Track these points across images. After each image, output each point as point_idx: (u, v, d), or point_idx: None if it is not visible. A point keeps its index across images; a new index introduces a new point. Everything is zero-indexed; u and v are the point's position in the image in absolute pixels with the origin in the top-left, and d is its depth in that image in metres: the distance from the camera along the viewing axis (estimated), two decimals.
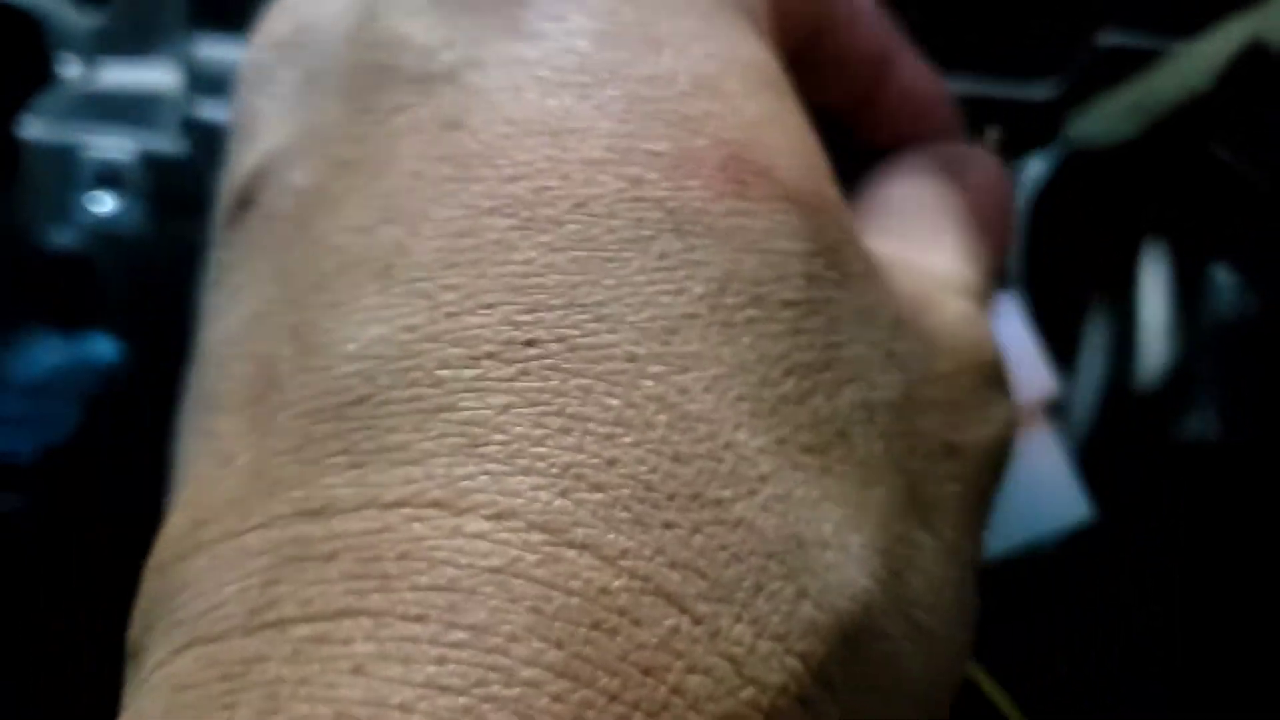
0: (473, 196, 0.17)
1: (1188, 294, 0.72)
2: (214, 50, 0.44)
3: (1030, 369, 0.35)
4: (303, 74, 0.20)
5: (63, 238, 0.42)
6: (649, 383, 0.16)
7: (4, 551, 0.40)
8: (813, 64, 0.24)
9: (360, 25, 0.20)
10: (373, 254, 0.17)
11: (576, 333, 0.16)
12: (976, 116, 0.51)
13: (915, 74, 0.29)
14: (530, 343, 0.16)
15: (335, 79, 0.20)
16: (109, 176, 0.42)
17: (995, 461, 0.22)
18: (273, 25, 0.22)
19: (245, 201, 0.20)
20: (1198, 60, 0.49)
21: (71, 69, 0.46)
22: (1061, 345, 0.66)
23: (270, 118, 0.21)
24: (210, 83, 0.44)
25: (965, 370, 0.22)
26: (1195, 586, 0.65)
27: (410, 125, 0.18)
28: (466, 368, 0.16)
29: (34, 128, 0.42)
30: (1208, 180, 0.51)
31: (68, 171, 0.42)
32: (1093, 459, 0.74)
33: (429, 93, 0.18)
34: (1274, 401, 0.67)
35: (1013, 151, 0.48)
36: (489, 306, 0.16)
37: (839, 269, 0.19)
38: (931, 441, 0.20)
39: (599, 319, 0.16)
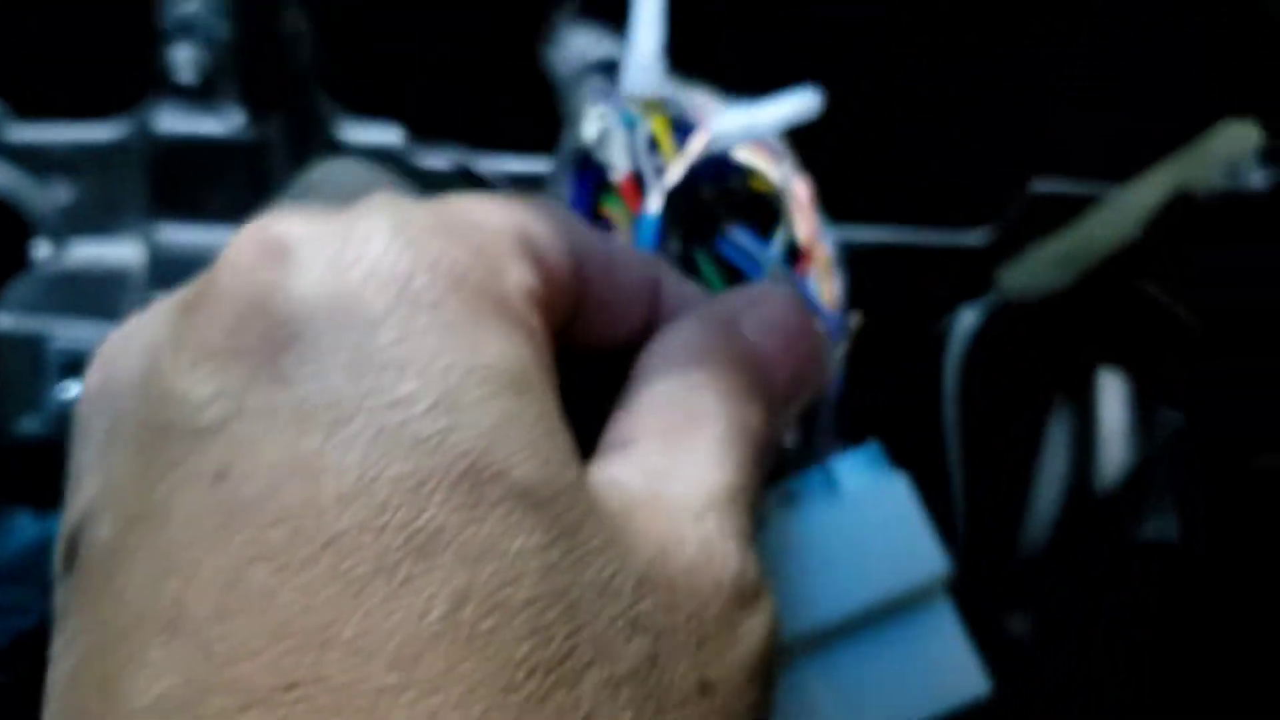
0: (239, 546, 0.19)
1: (1144, 405, 0.74)
2: (175, 234, 0.46)
3: (923, 549, 0.36)
4: (108, 425, 0.22)
5: (32, 424, 0.43)
6: (401, 713, 0.17)
7: None
8: (586, 314, 0.25)
9: (145, 380, 0.21)
10: (159, 607, 0.19)
11: (333, 671, 0.18)
12: (911, 264, 0.53)
13: (683, 291, 0.30)
14: (291, 686, 0.17)
15: (128, 432, 0.21)
16: (76, 365, 0.44)
17: (757, 677, 0.23)
18: (89, 376, 0.23)
19: (71, 552, 0.21)
20: (1126, 209, 0.51)
21: (41, 249, 0.48)
22: (1001, 476, 0.68)
23: (86, 470, 0.22)
24: (172, 267, 0.45)
25: (710, 603, 0.22)
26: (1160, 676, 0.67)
27: (186, 478, 0.19)
28: (237, 716, 0.17)
29: (3, 319, 0.44)
30: (1141, 318, 0.53)
31: (36, 361, 0.44)
32: (1054, 560, 0.76)
33: (201, 446, 0.20)
34: (1229, 506, 0.69)
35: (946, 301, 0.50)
36: (255, 654, 0.18)
37: (576, 551, 0.20)
38: (683, 687, 0.21)
39: (353, 653, 0.18)
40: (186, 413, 0.20)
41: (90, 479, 0.21)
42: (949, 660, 0.37)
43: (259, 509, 0.19)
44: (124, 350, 0.22)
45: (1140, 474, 0.72)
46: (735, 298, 0.29)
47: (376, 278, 0.21)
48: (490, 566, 0.19)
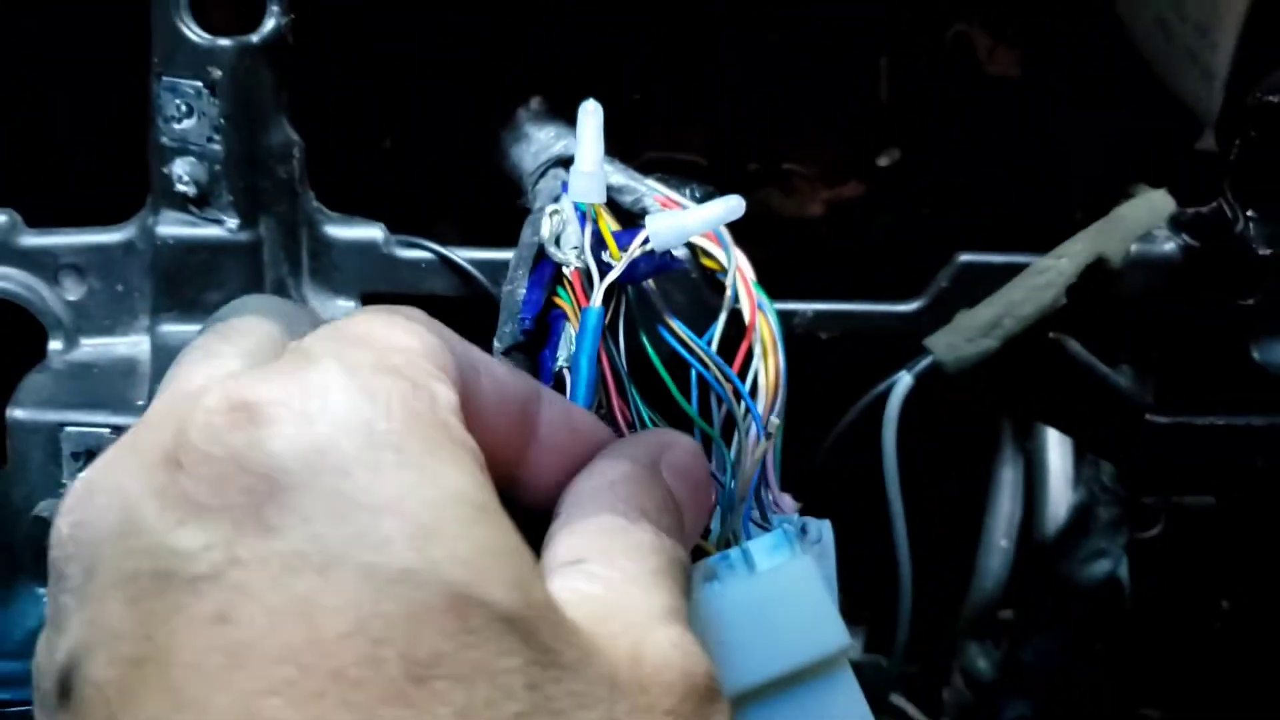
0: (248, 682, 0.20)
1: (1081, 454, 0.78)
2: (178, 329, 0.51)
3: (828, 624, 0.39)
4: (84, 571, 0.23)
5: (50, 508, 0.47)
6: None
7: None
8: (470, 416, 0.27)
9: (124, 531, 0.23)
10: None
11: None
12: (850, 330, 0.57)
13: (568, 414, 0.33)
14: None
15: (112, 580, 0.23)
16: (91, 453, 0.48)
17: None
18: (59, 523, 0.24)
19: (65, 690, 0.23)
20: (1049, 277, 0.55)
21: (54, 345, 0.52)
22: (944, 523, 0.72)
23: (69, 612, 0.23)
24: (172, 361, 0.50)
25: (686, 698, 0.25)
26: None
27: (187, 622, 0.21)
28: None
29: (20, 410, 0.49)
30: (1065, 375, 0.57)
31: (52, 450, 0.48)
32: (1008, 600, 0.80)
33: (198, 592, 0.21)
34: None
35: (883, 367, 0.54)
36: None
37: (555, 666, 0.22)
38: None
39: None
40: (180, 563, 0.22)
41: (75, 622, 0.23)
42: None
43: (264, 648, 0.21)
44: (93, 501, 0.24)
45: (1081, 517, 0.76)
46: (651, 441, 0.33)
47: (342, 428, 0.23)
48: (483, 686, 0.21)
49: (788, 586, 0.40)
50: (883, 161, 0.78)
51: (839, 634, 0.39)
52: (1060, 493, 0.80)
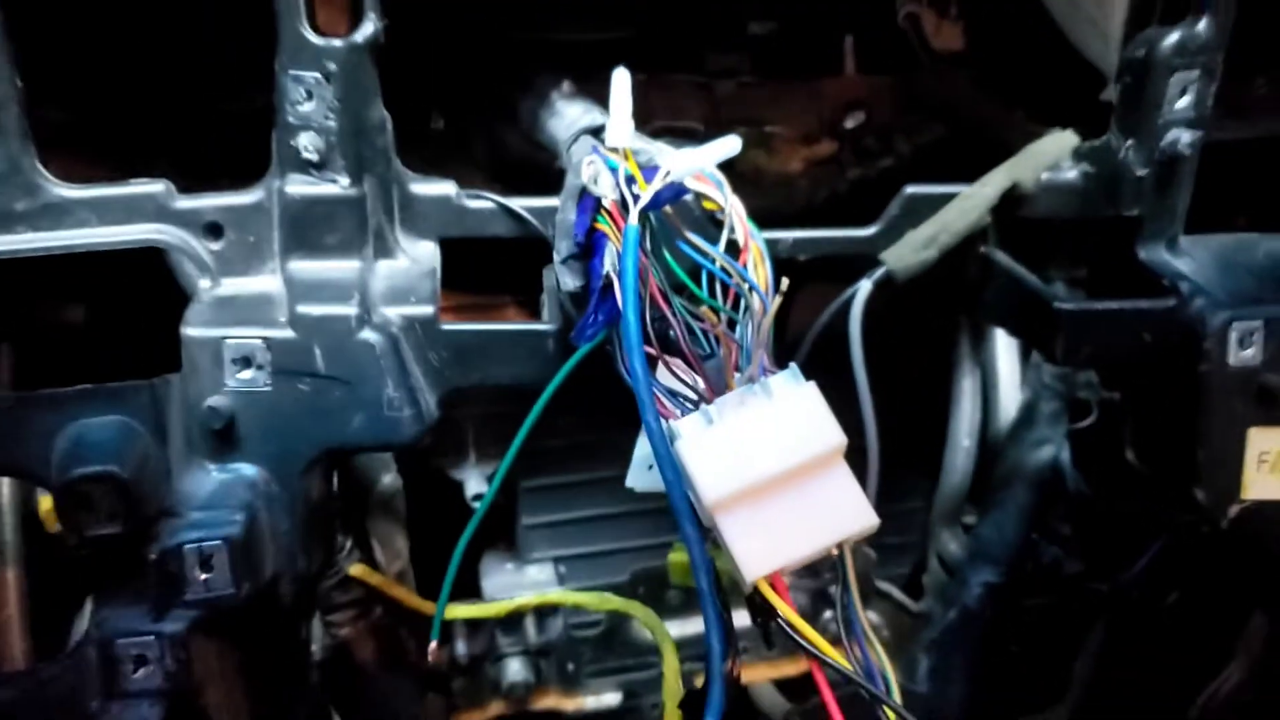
0: None
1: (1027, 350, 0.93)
2: (302, 267, 0.65)
3: (828, 428, 0.55)
4: None
5: (218, 402, 0.62)
6: None
7: None
8: None
9: None
10: None
11: None
12: (822, 253, 0.72)
13: None
14: None
15: None
16: (245, 358, 0.63)
17: None
18: None
19: None
20: (974, 202, 0.70)
21: (204, 284, 0.67)
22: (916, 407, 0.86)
23: None
24: (301, 288, 0.65)
25: None
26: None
27: None
28: None
29: (190, 328, 0.63)
30: (995, 279, 0.72)
31: (215, 357, 0.63)
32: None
33: None
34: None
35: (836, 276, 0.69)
36: None
37: None
38: None
39: None
40: None
41: None
42: (841, 502, 0.55)
43: None
44: None
45: (1027, 413, 0.91)
46: None
47: None
48: None
49: (797, 404, 0.55)
50: (850, 124, 0.93)
51: (837, 434, 0.54)
52: (1009, 394, 0.95)
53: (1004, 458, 0.94)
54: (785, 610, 0.54)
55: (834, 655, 0.53)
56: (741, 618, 1.04)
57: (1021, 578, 0.92)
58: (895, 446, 0.91)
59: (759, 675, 1.04)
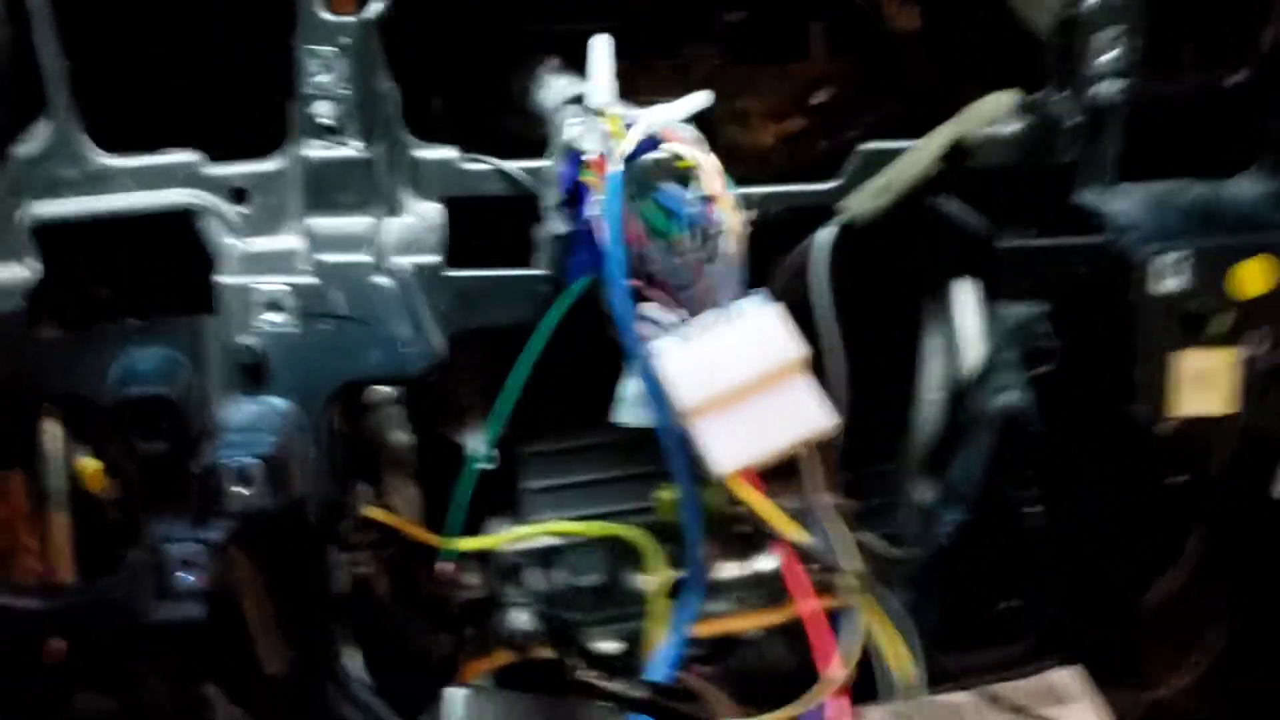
0: None
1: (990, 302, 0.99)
2: (323, 223, 0.73)
3: (789, 343, 0.62)
4: None
5: (249, 340, 0.70)
6: None
7: None
8: None
9: None
10: None
11: None
12: (790, 205, 0.79)
13: None
14: None
15: None
16: (273, 303, 0.70)
17: None
18: None
19: None
20: (922, 154, 0.77)
21: (232, 241, 0.74)
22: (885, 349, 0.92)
23: None
24: (324, 242, 0.72)
25: None
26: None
27: None
28: None
29: (222, 276, 0.71)
30: (943, 224, 0.79)
31: (247, 302, 0.70)
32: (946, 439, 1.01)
33: None
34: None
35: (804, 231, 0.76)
36: None
37: None
38: None
39: None
40: None
41: None
42: (802, 406, 0.63)
43: None
44: None
45: (989, 362, 0.98)
46: None
47: None
48: None
49: (762, 322, 0.63)
50: (816, 99, 1.00)
51: (798, 347, 0.62)
52: (972, 345, 1.02)
53: (969, 405, 1.00)
54: (755, 499, 0.62)
55: (799, 535, 0.60)
56: (724, 571, 1.12)
57: (989, 516, 0.99)
58: (870, 408, 0.98)
59: (751, 623, 1.11)
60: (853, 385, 0.74)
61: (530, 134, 0.87)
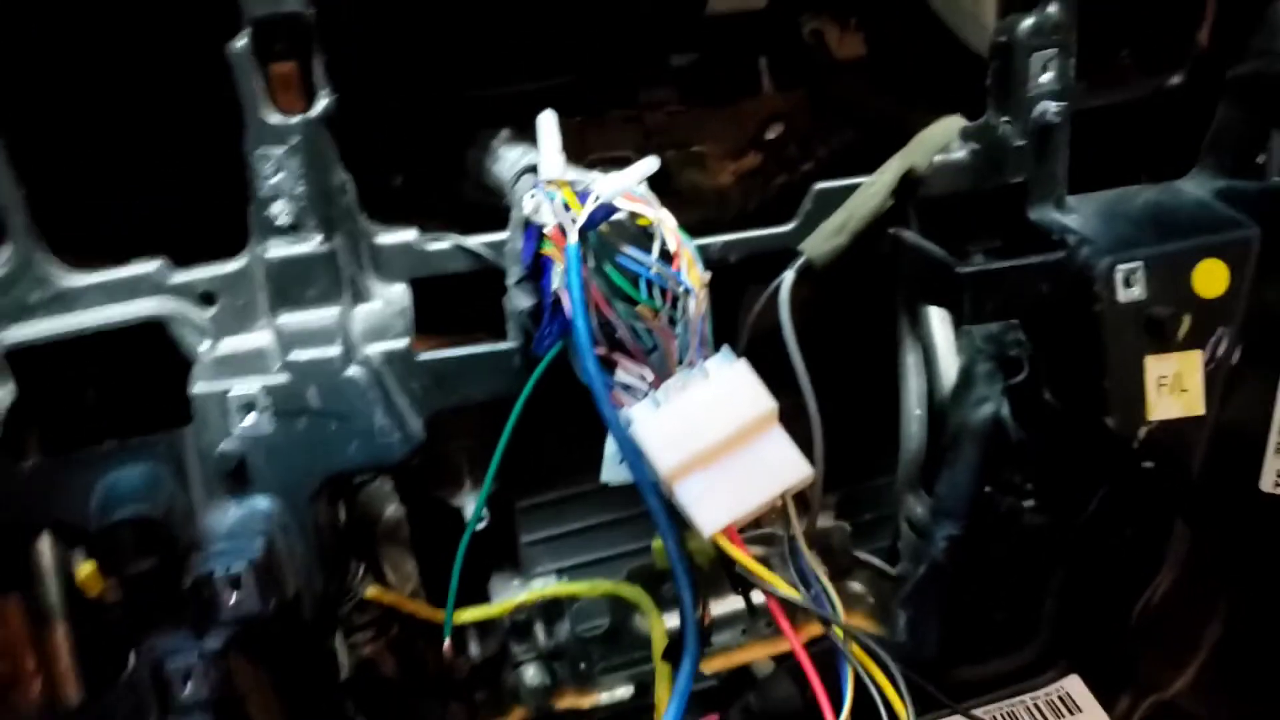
0: None
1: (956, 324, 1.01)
2: (289, 319, 0.74)
3: (760, 397, 0.63)
4: None
5: (229, 445, 0.70)
6: None
7: None
8: None
9: None
10: None
11: None
12: (749, 251, 0.80)
13: None
14: None
15: None
16: (248, 405, 0.71)
17: None
18: None
19: None
20: (875, 188, 0.78)
21: (203, 347, 0.75)
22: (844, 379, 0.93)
23: None
24: (292, 338, 0.73)
25: None
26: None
27: None
28: None
29: (198, 385, 0.72)
30: (905, 254, 0.80)
31: (222, 407, 0.71)
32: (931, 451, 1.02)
33: None
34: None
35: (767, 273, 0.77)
36: None
37: None
38: None
39: None
40: None
41: None
42: (779, 458, 0.64)
43: None
44: None
45: (965, 376, 0.99)
46: None
47: None
48: None
49: (731, 378, 0.63)
50: (770, 135, 1.02)
51: (768, 400, 0.63)
52: (948, 361, 1.03)
53: (950, 420, 1.02)
54: (741, 556, 0.62)
55: (785, 588, 0.61)
56: (728, 604, 1.12)
57: (982, 528, 1.00)
58: (858, 428, 0.99)
59: (757, 654, 1.12)
60: (837, 404, 0.76)
61: (491, 203, 0.88)
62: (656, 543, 0.91)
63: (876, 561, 1.13)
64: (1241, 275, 0.76)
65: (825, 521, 1.14)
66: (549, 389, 0.74)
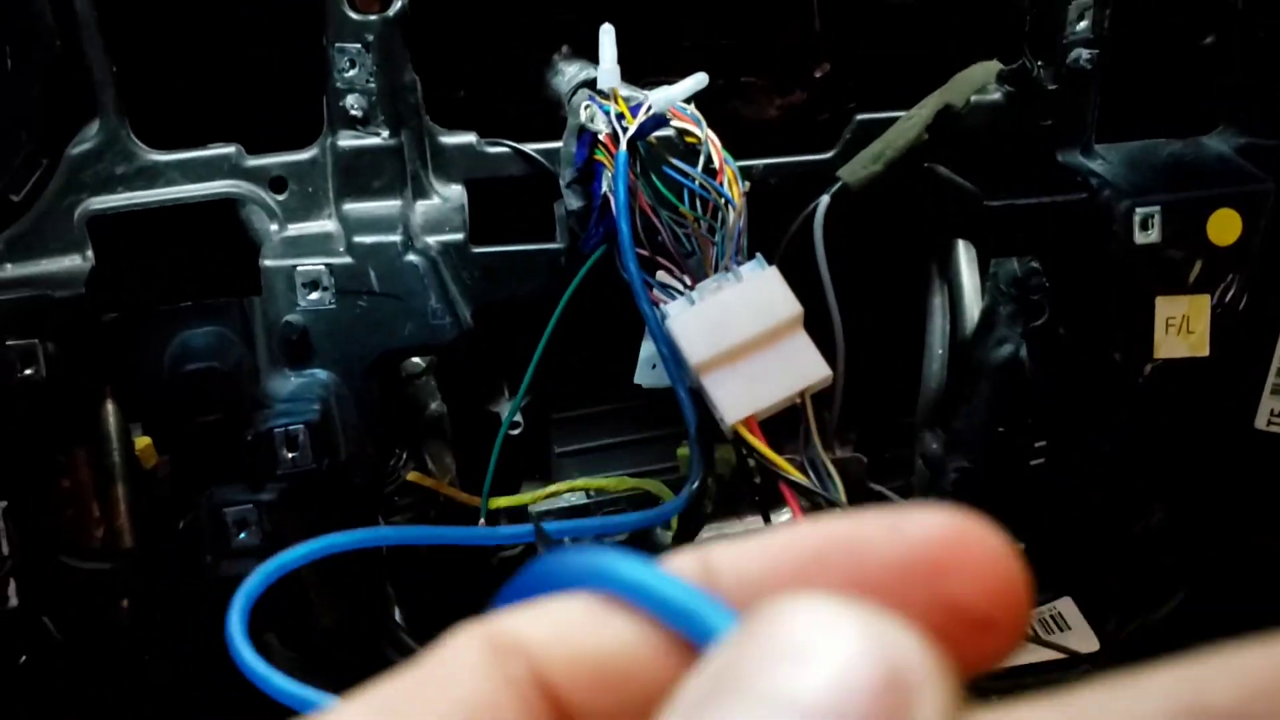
0: None
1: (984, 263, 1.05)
2: (354, 208, 0.79)
3: (789, 302, 0.68)
4: None
5: (294, 318, 0.76)
6: None
7: None
8: None
9: None
10: None
11: None
12: (790, 174, 0.84)
13: None
14: None
15: None
16: (313, 282, 0.77)
17: None
18: None
19: None
20: (912, 122, 0.82)
21: (273, 228, 0.81)
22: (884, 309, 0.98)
23: None
24: (357, 224, 0.78)
25: None
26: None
27: None
28: None
29: (265, 260, 0.77)
30: (937, 188, 0.85)
31: (289, 281, 0.77)
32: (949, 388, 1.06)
33: None
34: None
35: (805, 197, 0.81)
36: None
37: None
38: None
39: None
40: None
41: None
42: (801, 358, 0.69)
43: None
44: None
45: (988, 317, 1.04)
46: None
47: None
48: None
49: (762, 283, 0.68)
50: (819, 73, 1.06)
51: (795, 305, 0.67)
52: (972, 302, 1.07)
53: (970, 358, 1.06)
54: (757, 443, 0.67)
55: (794, 472, 0.66)
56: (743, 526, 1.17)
57: (993, 466, 1.04)
58: (882, 365, 1.03)
59: None
60: (864, 343, 0.80)
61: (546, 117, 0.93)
62: (682, 449, 0.97)
63: (890, 494, 1.18)
64: (1255, 226, 0.79)
65: (844, 453, 1.19)
66: (591, 299, 0.79)
